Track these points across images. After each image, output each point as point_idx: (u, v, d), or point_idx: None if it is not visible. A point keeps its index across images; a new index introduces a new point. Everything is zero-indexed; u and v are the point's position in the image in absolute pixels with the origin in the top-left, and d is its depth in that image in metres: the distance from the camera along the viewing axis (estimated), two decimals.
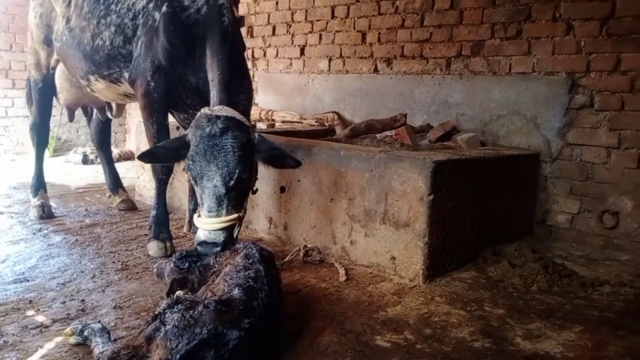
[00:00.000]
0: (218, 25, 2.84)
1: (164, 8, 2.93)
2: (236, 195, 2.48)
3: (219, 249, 2.36)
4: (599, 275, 3.05)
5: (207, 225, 2.40)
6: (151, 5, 3.01)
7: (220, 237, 2.40)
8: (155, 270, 2.58)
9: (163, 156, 2.63)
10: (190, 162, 2.44)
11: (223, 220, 2.41)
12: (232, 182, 2.41)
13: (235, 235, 2.52)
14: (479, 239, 3.19)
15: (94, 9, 3.24)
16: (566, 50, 3.70)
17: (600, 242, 3.61)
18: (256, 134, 2.58)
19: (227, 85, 2.75)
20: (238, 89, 2.85)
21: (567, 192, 3.75)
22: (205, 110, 2.57)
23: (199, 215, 2.48)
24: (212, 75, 2.79)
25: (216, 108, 2.57)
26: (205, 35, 2.85)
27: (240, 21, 6.14)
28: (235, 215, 2.47)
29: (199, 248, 2.42)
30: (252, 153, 2.52)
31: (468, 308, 2.52)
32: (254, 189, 2.74)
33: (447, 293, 2.70)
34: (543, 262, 3.02)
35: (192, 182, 2.51)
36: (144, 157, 2.69)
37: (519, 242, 3.34)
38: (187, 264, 2.40)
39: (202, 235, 2.42)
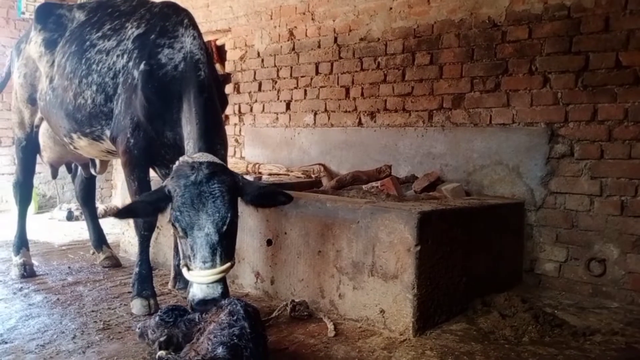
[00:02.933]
0: (195, 79, 2.89)
1: (141, 66, 2.98)
2: (228, 242, 2.45)
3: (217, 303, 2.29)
4: (590, 324, 3.02)
5: (204, 278, 2.33)
6: (131, 64, 3.07)
7: (218, 291, 2.34)
8: (138, 330, 2.51)
9: (142, 211, 2.57)
10: (178, 214, 2.39)
11: (219, 270, 2.35)
12: (224, 228, 2.38)
13: None
14: (468, 289, 3.17)
15: (76, 69, 3.30)
16: (544, 102, 3.81)
17: (589, 290, 3.60)
18: (240, 177, 2.57)
19: (205, 134, 2.76)
20: (214, 139, 2.84)
21: (553, 240, 3.77)
22: (184, 158, 2.55)
23: (190, 269, 2.40)
24: (189, 127, 2.79)
25: (196, 155, 2.56)
26: (182, 90, 2.90)
27: (226, 78, 6.29)
28: (229, 263, 2.42)
29: (197, 308, 2.33)
30: (237, 197, 2.50)
31: None
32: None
33: (438, 346, 2.65)
34: (533, 312, 2.98)
35: (181, 233, 2.43)
36: (123, 214, 2.65)
37: (508, 291, 3.31)
38: (172, 318, 2.34)
39: (198, 291, 2.34)
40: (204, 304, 2.31)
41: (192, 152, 2.67)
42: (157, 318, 2.38)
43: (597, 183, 3.59)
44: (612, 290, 3.51)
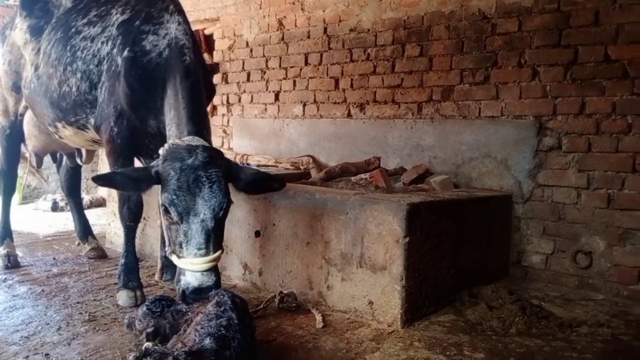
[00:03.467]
0: (180, 64, 2.83)
1: (125, 53, 2.92)
2: (220, 230, 2.41)
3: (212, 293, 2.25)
4: (576, 315, 3.05)
5: (198, 265, 2.28)
6: (115, 50, 3.01)
7: (212, 279, 2.30)
8: (125, 320, 2.48)
9: (120, 183, 2.51)
10: (174, 197, 2.31)
11: (213, 258, 2.32)
12: (220, 214, 2.34)
13: None
14: (455, 281, 3.17)
15: (60, 56, 3.23)
16: (533, 95, 3.82)
17: (575, 282, 3.63)
18: (232, 162, 2.54)
19: (193, 117, 2.70)
20: (202, 124, 2.79)
21: (540, 232, 3.79)
22: (176, 141, 2.49)
23: (180, 256, 2.35)
24: (173, 112, 2.73)
25: (187, 138, 2.51)
26: (166, 76, 2.84)
27: (214, 68, 6.23)
28: (220, 251, 2.38)
29: (191, 297, 2.28)
30: (228, 182, 2.47)
31: (447, 353, 2.48)
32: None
33: (426, 338, 2.66)
34: (520, 304, 3.00)
35: (175, 218, 2.35)
36: (100, 179, 2.55)
37: (495, 283, 3.33)
38: (160, 308, 2.31)
39: (193, 279, 2.29)
40: (199, 293, 2.27)
41: (180, 135, 2.60)
42: (144, 308, 2.35)
43: (585, 176, 3.61)
44: (598, 283, 3.54)
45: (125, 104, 2.93)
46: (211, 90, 3.37)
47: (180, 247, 2.36)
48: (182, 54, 2.87)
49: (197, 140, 2.49)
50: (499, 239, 3.79)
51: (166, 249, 2.54)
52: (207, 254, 2.30)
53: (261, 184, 2.60)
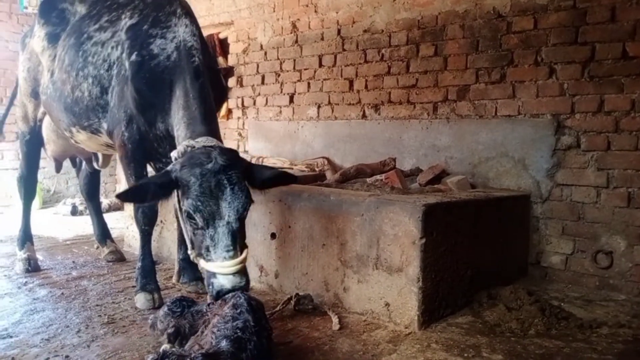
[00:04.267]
0: (189, 65, 2.84)
1: (133, 56, 2.94)
2: (242, 229, 2.41)
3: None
4: (597, 316, 3.00)
5: (229, 268, 2.28)
6: (124, 55, 3.03)
7: (244, 280, 2.30)
8: (149, 321, 2.50)
9: (152, 192, 2.42)
10: (198, 203, 2.30)
11: (242, 259, 2.32)
12: (244, 214, 2.36)
13: None
14: (473, 282, 3.15)
15: (73, 62, 3.28)
16: (550, 93, 3.78)
17: (595, 282, 3.58)
18: (248, 161, 2.56)
19: (206, 118, 2.71)
20: (214, 122, 2.79)
21: (559, 232, 3.74)
22: (189, 143, 2.48)
23: (208, 260, 2.34)
24: (182, 112, 2.73)
25: (201, 139, 2.50)
26: (175, 79, 2.85)
27: (229, 71, 6.26)
28: (246, 251, 2.39)
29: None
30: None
31: (465, 355, 2.46)
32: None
33: (444, 339, 2.64)
34: (539, 305, 2.97)
35: (201, 224, 2.33)
36: (130, 195, 2.51)
37: (514, 284, 3.29)
38: (180, 308, 2.33)
39: (226, 282, 2.28)
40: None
41: (192, 136, 2.59)
42: (165, 309, 2.37)
43: (604, 175, 3.55)
44: (618, 283, 3.48)
45: (134, 108, 2.95)
46: (222, 93, 3.37)
47: (208, 250, 2.35)
48: (191, 56, 2.88)
49: (211, 141, 2.49)
50: (517, 239, 3.75)
51: (189, 252, 2.53)
52: (235, 256, 2.31)
53: (277, 180, 2.63)
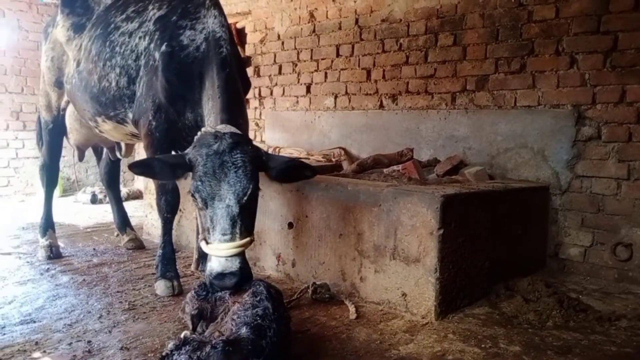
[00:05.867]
0: (216, 56, 2.88)
1: (163, 47, 2.98)
2: (248, 215, 2.37)
3: (237, 279, 2.22)
4: (615, 309, 2.98)
5: (223, 251, 2.24)
6: (152, 45, 3.07)
7: (236, 265, 2.24)
8: (182, 305, 2.54)
9: (159, 170, 2.49)
10: (199, 183, 2.30)
11: (239, 244, 2.26)
12: (245, 199, 2.30)
13: None
14: (490, 273, 3.14)
15: (100, 52, 3.31)
16: (571, 83, 3.73)
17: (614, 274, 3.54)
18: (263, 150, 2.52)
19: (228, 107, 2.73)
20: (236, 113, 2.80)
21: (578, 224, 3.71)
22: (207, 129, 2.50)
23: (208, 242, 2.32)
24: (211, 102, 2.78)
25: (219, 127, 2.51)
26: (203, 69, 2.89)
27: (247, 61, 6.27)
28: (249, 238, 2.34)
29: (215, 282, 2.25)
30: (258, 170, 2.44)
31: (483, 345, 2.46)
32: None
33: (461, 330, 2.64)
34: (557, 297, 2.95)
35: (200, 204, 2.34)
36: (137, 167, 2.54)
37: (532, 276, 3.28)
38: (205, 292, 2.36)
39: (216, 264, 2.24)
40: (222, 278, 2.23)
41: (214, 124, 2.61)
42: (192, 292, 2.39)
43: (625, 166, 3.51)
44: (638, 276, 3.44)
45: (163, 98, 2.99)
46: (246, 83, 3.39)
47: (208, 232, 2.34)
48: (219, 46, 2.91)
49: (228, 128, 2.48)
50: (535, 231, 3.73)
51: (199, 236, 2.54)
52: (232, 239, 2.26)
53: (293, 171, 2.57)
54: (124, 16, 3.33)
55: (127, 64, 3.18)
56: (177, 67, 2.94)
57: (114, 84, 3.23)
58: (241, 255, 2.31)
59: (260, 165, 2.46)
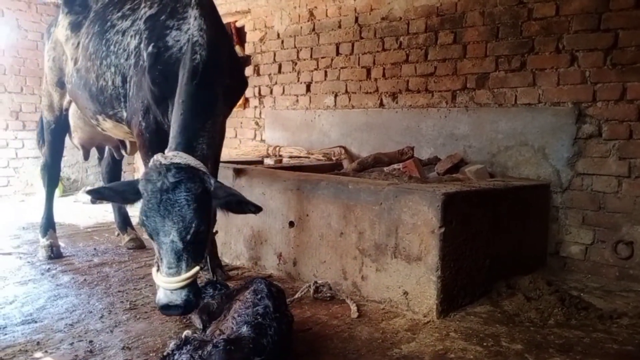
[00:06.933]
0: (188, 63, 2.73)
1: (149, 48, 2.92)
2: (195, 248, 2.33)
3: (181, 311, 2.26)
4: (617, 307, 2.98)
5: (168, 284, 2.24)
6: (142, 45, 3.01)
7: (181, 298, 2.23)
8: None
9: (109, 197, 2.53)
10: (144, 218, 2.29)
11: (183, 278, 2.25)
12: (189, 237, 2.27)
13: (203, 266, 2.45)
14: (492, 271, 3.14)
15: (97, 50, 3.29)
16: (571, 81, 3.72)
17: (615, 272, 3.54)
18: (212, 181, 2.42)
19: (186, 129, 2.61)
20: (198, 134, 2.66)
21: (579, 222, 3.71)
22: (157, 157, 2.43)
23: (158, 270, 2.31)
24: (175, 116, 2.68)
25: (170, 154, 2.44)
26: (179, 73, 2.78)
27: (246, 60, 6.27)
28: (196, 268, 2.31)
29: (162, 312, 2.29)
30: (208, 201, 2.38)
31: (485, 344, 2.46)
32: (215, 231, 2.68)
33: (463, 328, 2.64)
34: (559, 295, 2.95)
35: (148, 236, 2.36)
36: (92, 193, 2.52)
37: (533, 274, 3.28)
38: (212, 289, 2.43)
39: (163, 296, 2.24)
40: (167, 309, 2.25)
41: (169, 149, 2.55)
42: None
43: (626, 164, 3.50)
44: (639, 273, 3.44)
45: (150, 99, 2.94)
46: (240, 82, 3.30)
47: (158, 261, 2.34)
48: (193, 52, 2.74)
49: (179, 157, 2.40)
50: (536, 229, 3.72)
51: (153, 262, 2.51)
52: (177, 274, 2.25)
53: (234, 205, 2.48)
54: (120, 14, 3.28)
55: (120, 63, 3.14)
56: (161, 69, 2.86)
57: (110, 82, 3.21)
58: (188, 286, 2.28)
59: (207, 198, 2.38)
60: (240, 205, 2.47)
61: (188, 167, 2.35)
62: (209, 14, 2.95)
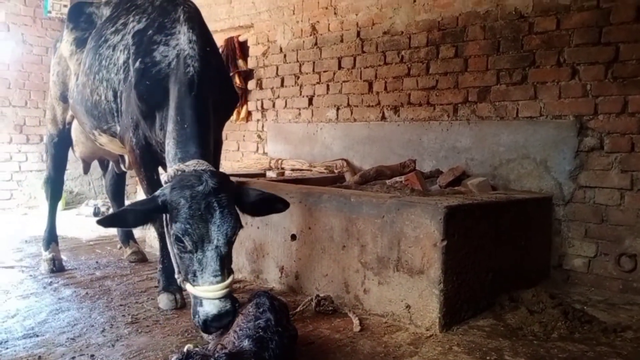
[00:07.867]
0: (183, 76, 2.71)
1: (137, 64, 2.90)
2: (231, 255, 2.36)
3: (232, 317, 2.22)
4: (621, 320, 2.96)
5: (216, 292, 2.22)
6: (130, 60, 2.99)
7: (230, 304, 2.23)
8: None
9: (133, 219, 2.39)
10: (187, 226, 2.23)
11: (229, 283, 2.25)
12: (234, 238, 2.30)
13: None
14: (494, 285, 3.12)
15: (91, 65, 3.30)
16: (572, 94, 3.74)
17: (619, 285, 3.53)
18: (235, 183, 2.46)
19: (198, 138, 2.60)
20: (207, 144, 2.67)
21: (582, 235, 3.70)
22: (180, 167, 2.42)
23: (195, 284, 2.28)
24: (175, 125, 2.64)
25: (191, 163, 2.43)
26: (170, 88, 2.77)
27: (249, 74, 6.31)
28: (232, 275, 2.33)
29: (213, 325, 2.23)
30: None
31: (487, 358, 2.44)
32: None
33: (465, 342, 2.62)
34: (562, 308, 2.93)
35: (189, 247, 2.26)
36: (107, 221, 2.45)
37: (536, 287, 3.26)
38: None
39: (212, 307, 2.22)
40: (220, 320, 2.22)
41: (182, 156, 2.53)
42: None
43: (628, 177, 3.50)
44: None
45: (138, 114, 2.92)
46: (231, 97, 3.27)
47: (195, 275, 2.29)
48: (186, 65, 2.74)
49: (202, 164, 2.42)
50: (539, 242, 3.71)
51: (176, 276, 2.48)
52: (223, 280, 2.24)
53: (267, 204, 2.52)
54: (113, 28, 3.28)
55: (111, 78, 3.13)
56: (148, 84, 2.82)
57: (103, 97, 3.20)
58: (231, 293, 2.30)
59: (236, 200, 2.41)
60: (272, 203, 2.51)
61: (220, 172, 2.39)
62: (199, 28, 2.96)
